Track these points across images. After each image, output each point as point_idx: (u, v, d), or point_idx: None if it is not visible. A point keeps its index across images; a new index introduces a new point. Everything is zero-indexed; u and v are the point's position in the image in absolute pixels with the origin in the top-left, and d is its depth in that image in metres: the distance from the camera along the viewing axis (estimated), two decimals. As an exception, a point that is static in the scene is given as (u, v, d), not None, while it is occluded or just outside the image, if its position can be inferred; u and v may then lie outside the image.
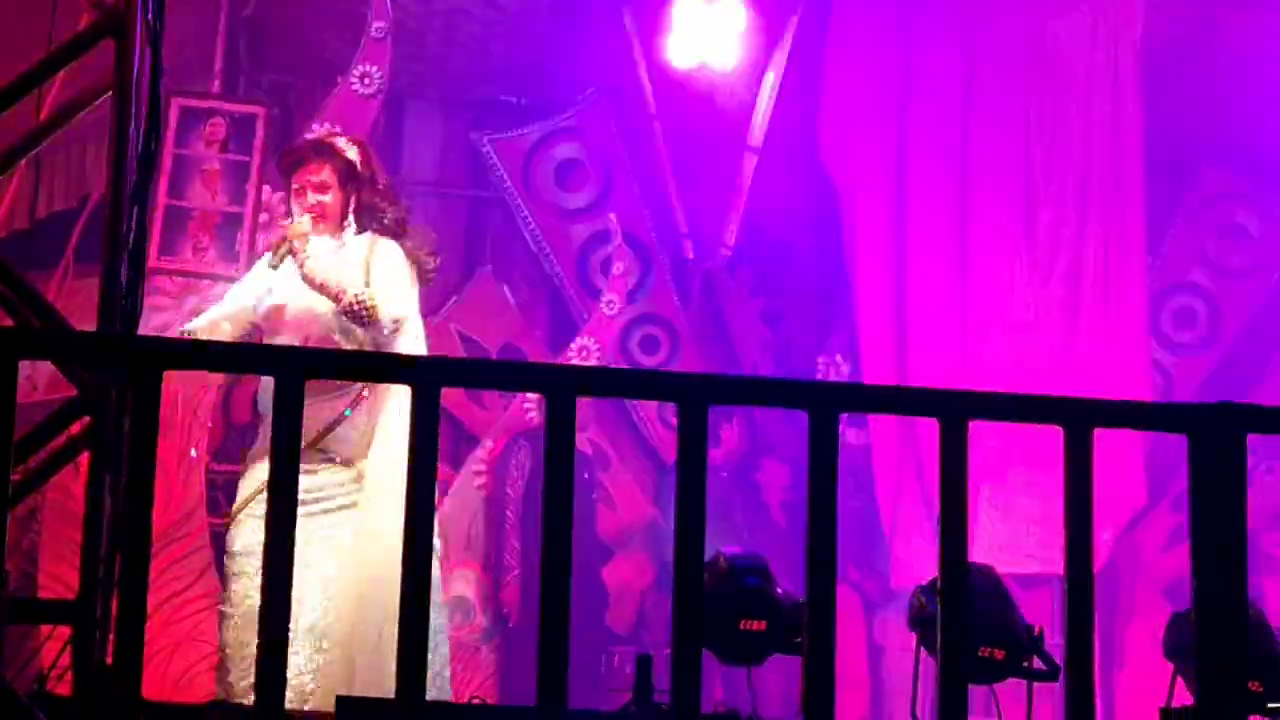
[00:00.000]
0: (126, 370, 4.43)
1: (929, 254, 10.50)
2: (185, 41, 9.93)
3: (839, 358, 11.16)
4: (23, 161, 5.66)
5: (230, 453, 10.21)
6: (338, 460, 6.73)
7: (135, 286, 4.94)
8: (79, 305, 9.76)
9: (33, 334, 4.78)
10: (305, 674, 6.52)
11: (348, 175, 6.95)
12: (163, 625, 9.00)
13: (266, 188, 9.73)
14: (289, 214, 7.11)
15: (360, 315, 6.71)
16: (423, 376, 4.25)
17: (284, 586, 4.08)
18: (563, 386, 4.24)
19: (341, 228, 6.93)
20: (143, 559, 4.12)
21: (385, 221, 7.01)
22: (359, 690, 6.21)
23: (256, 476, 6.68)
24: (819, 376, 11.13)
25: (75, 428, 4.92)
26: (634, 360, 11.42)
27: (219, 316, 6.97)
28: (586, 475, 10.20)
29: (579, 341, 10.94)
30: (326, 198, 6.91)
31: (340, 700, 5.04)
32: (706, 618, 4.69)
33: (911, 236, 10.49)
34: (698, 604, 4.17)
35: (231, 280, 9.53)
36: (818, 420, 4.26)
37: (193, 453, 9.39)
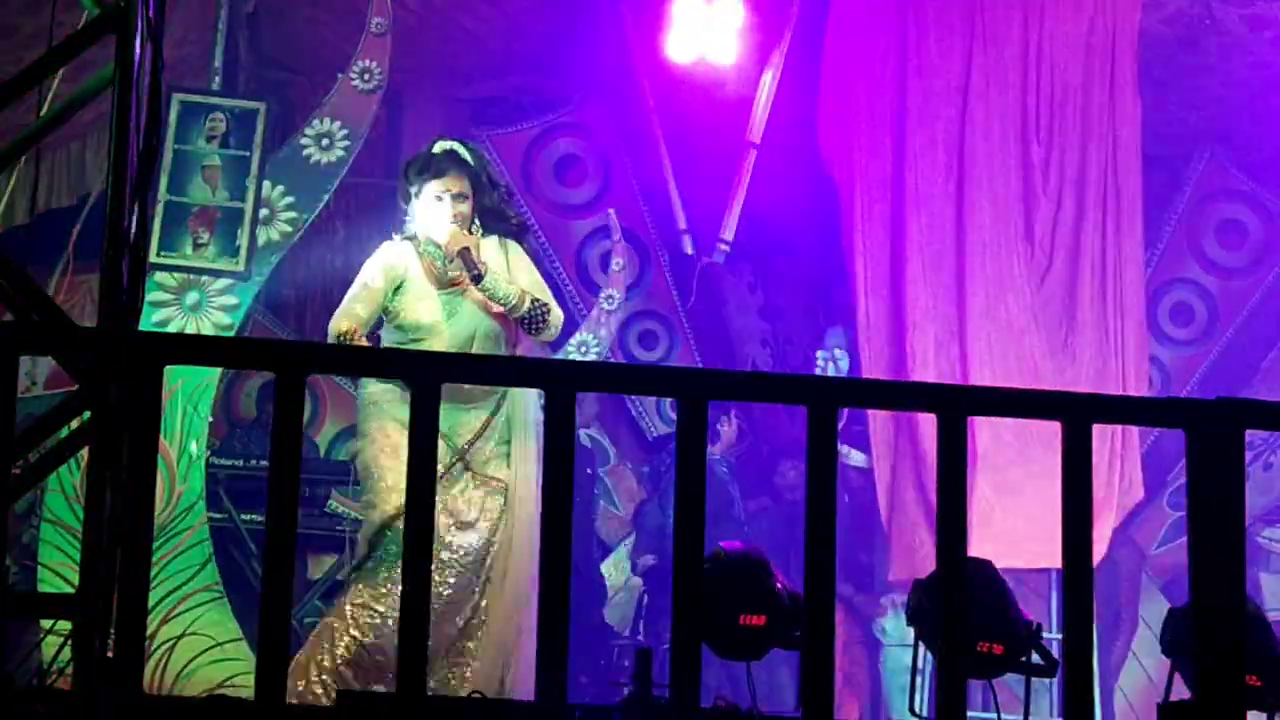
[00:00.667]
0: (127, 365, 4.44)
1: (927, 250, 10.49)
2: (186, 37, 9.94)
3: (838, 353, 11.16)
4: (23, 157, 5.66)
5: (232, 448, 10.23)
6: (472, 468, 6.73)
7: (136, 282, 4.95)
8: (79, 301, 9.81)
9: (34, 329, 4.78)
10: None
11: (476, 182, 6.97)
12: (164, 620, 9.00)
13: (266, 183, 9.74)
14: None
15: (537, 321, 6.75)
16: (423, 372, 4.26)
17: (284, 582, 4.08)
18: (562, 381, 4.25)
19: (471, 233, 6.94)
20: (143, 553, 4.14)
21: (512, 223, 7.06)
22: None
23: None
24: (818, 372, 11.14)
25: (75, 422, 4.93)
26: (633, 356, 11.43)
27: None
28: (590, 470, 10.21)
29: (578, 337, 10.95)
30: (465, 207, 6.92)
31: (340, 694, 5.05)
32: (705, 612, 4.71)
33: (910, 232, 10.47)
34: (697, 598, 4.19)
35: (234, 275, 9.58)
36: (817, 415, 4.27)
37: (192, 448, 9.39)
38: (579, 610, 6.93)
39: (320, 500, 9.95)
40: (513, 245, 7.00)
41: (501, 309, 6.78)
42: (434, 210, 6.89)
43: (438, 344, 6.73)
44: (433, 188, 6.92)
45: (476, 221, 6.95)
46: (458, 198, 6.90)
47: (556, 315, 6.87)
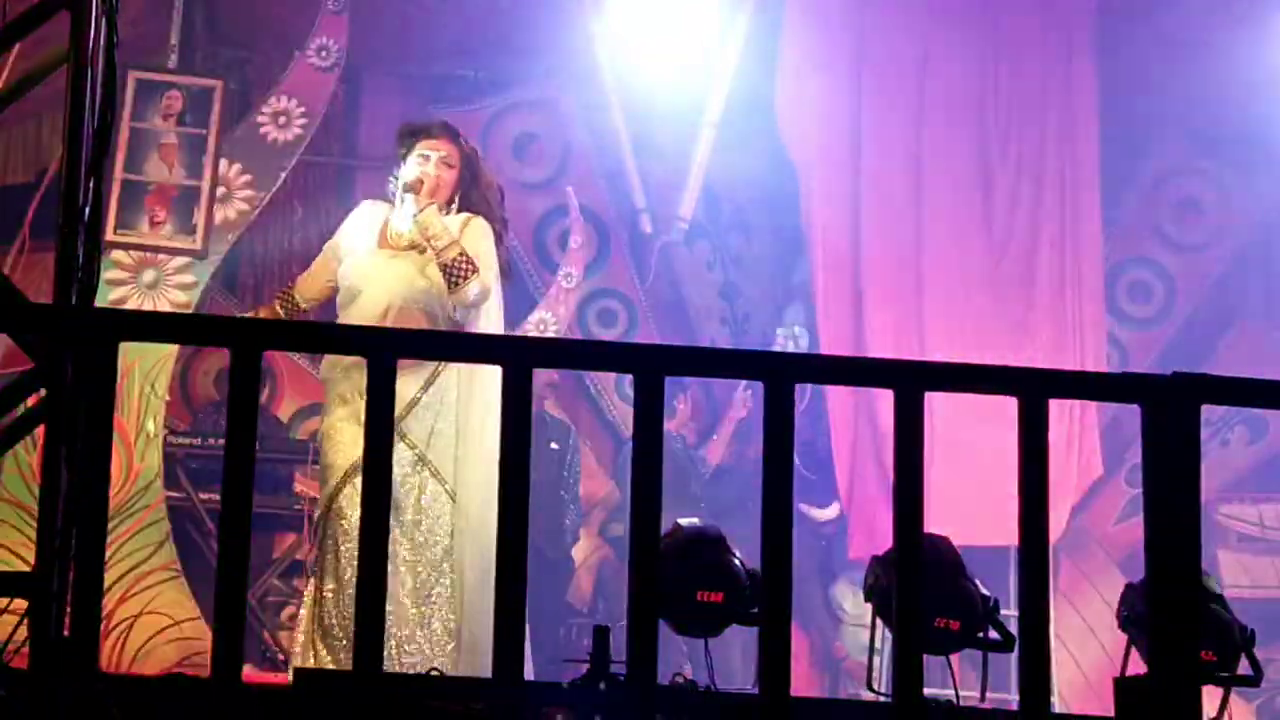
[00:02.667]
0: (82, 342, 4.41)
1: (886, 227, 10.52)
2: (142, 15, 9.89)
3: (798, 329, 11.16)
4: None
5: (190, 428, 10.20)
6: (405, 440, 6.64)
7: (91, 259, 4.92)
8: (35, 279, 9.74)
9: (-12, 307, 4.76)
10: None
11: (466, 163, 6.94)
12: (121, 599, 8.98)
13: (223, 161, 9.71)
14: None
15: (459, 272, 6.63)
16: (378, 348, 4.25)
17: (241, 557, 4.07)
18: (519, 358, 4.24)
19: (446, 210, 6.89)
20: (99, 531, 4.12)
21: (496, 218, 6.99)
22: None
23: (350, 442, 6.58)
24: (777, 349, 11.14)
25: (31, 400, 4.90)
26: (591, 334, 11.42)
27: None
28: (555, 444, 10.20)
29: (537, 315, 10.94)
30: (449, 175, 6.89)
31: (297, 671, 5.04)
32: (663, 589, 4.70)
33: (868, 210, 10.50)
34: (654, 575, 4.18)
35: (191, 254, 9.55)
36: (772, 391, 4.27)
37: (150, 426, 9.36)
38: (542, 589, 6.94)
39: (283, 478, 9.94)
40: (477, 220, 6.90)
41: (433, 248, 6.66)
42: (417, 167, 6.85)
43: (361, 302, 6.68)
44: (422, 146, 6.91)
45: (456, 203, 6.90)
46: (442, 162, 6.87)
47: (479, 280, 6.69)
